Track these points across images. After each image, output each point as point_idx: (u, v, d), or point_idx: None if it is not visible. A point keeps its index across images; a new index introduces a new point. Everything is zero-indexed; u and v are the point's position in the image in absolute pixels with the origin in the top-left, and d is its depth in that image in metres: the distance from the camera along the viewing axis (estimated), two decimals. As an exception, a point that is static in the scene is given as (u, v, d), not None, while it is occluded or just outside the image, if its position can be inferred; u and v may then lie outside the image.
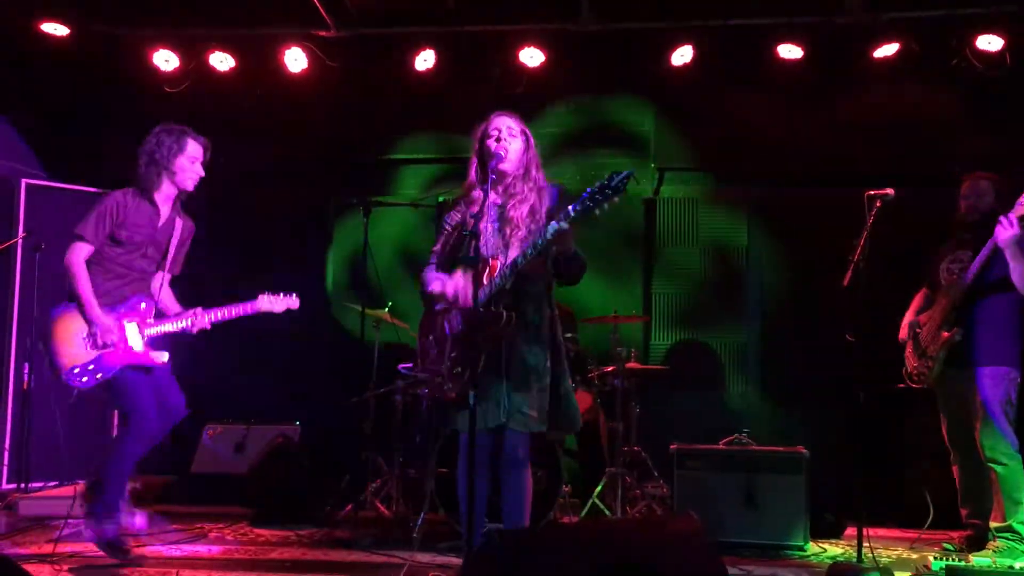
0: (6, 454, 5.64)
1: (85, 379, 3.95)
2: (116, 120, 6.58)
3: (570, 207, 3.14)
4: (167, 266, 4.23)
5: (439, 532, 4.59)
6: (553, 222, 3.18)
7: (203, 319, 4.12)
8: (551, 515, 4.54)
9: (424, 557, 4.27)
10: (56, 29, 5.87)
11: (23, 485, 5.32)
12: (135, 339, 4.03)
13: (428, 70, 6.04)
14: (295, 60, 6.01)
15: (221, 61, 6.12)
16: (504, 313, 3.31)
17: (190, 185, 4.16)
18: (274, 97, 6.43)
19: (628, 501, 5.04)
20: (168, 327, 4.12)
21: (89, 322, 3.95)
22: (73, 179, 6.29)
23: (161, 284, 4.24)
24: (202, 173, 4.19)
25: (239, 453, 5.93)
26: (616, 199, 3.05)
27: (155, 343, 4.12)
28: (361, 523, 4.98)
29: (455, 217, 3.63)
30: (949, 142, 5.74)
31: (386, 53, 6.20)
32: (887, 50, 5.68)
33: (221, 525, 5.05)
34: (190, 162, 4.14)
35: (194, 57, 6.12)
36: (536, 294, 3.50)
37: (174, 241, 4.21)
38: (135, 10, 5.99)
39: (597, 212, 3.08)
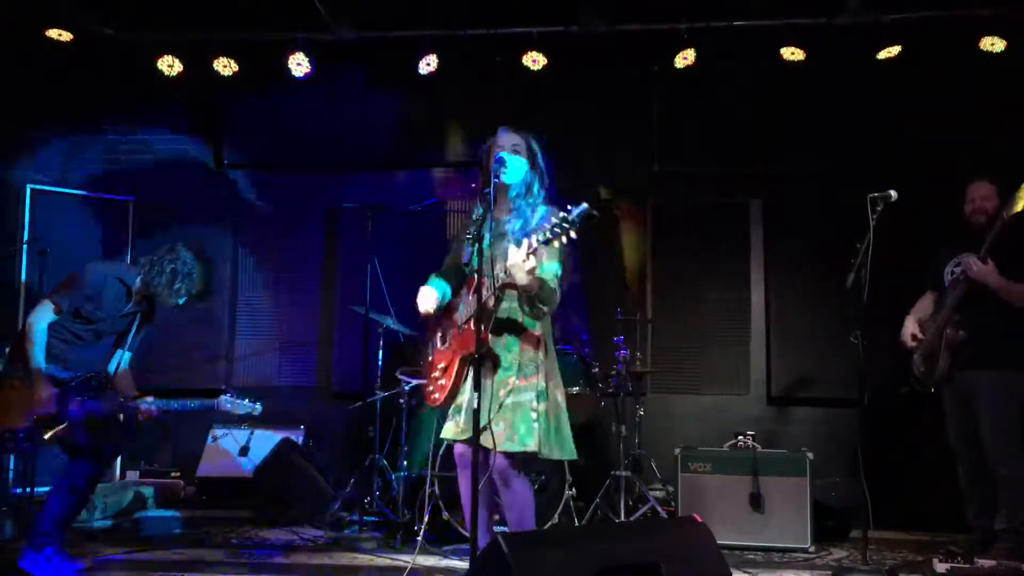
0: (12, 459, 5.64)
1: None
2: (120, 125, 6.62)
3: (527, 239, 3.09)
4: (126, 346, 4.26)
5: (444, 535, 4.59)
6: (512, 251, 3.12)
7: (152, 408, 4.10)
8: (555, 518, 4.55)
9: (429, 560, 4.28)
10: (61, 35, 5.89)
11: (29, 490, 5.33)
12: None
13: (431, 73, 6.05)
14: (298, 65, 6.02)
15: (224, 66, 6.14)
16: (478, 332, 3.15)
17: (164, 304, 4.25)
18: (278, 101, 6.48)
19: (632, 504, 5.03)
20: (114, 406, 4.10)
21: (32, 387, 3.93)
22: (78, 185, 6.32)
23: (119, 363, 4.26)
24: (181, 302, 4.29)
25: (244, 457, 5.95)
26: (572, 232, 2.96)
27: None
28: (366, 526, 4.99)
29: (467, 227, 3.60)
30: (951, 143, 5.73)
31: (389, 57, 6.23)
32: (890, 51, 5.68)
33: (226, 528, 5.06)
34: (185, 297, 4.24)
35: (198, 62, 6.14)
36: (510, 310, 3.40)
37: (134, 327, 4.25)
38: (139, 16, 6.01)
39: (556, 244, 3.00)
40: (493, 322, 3.34)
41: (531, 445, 3.26)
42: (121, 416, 4.09)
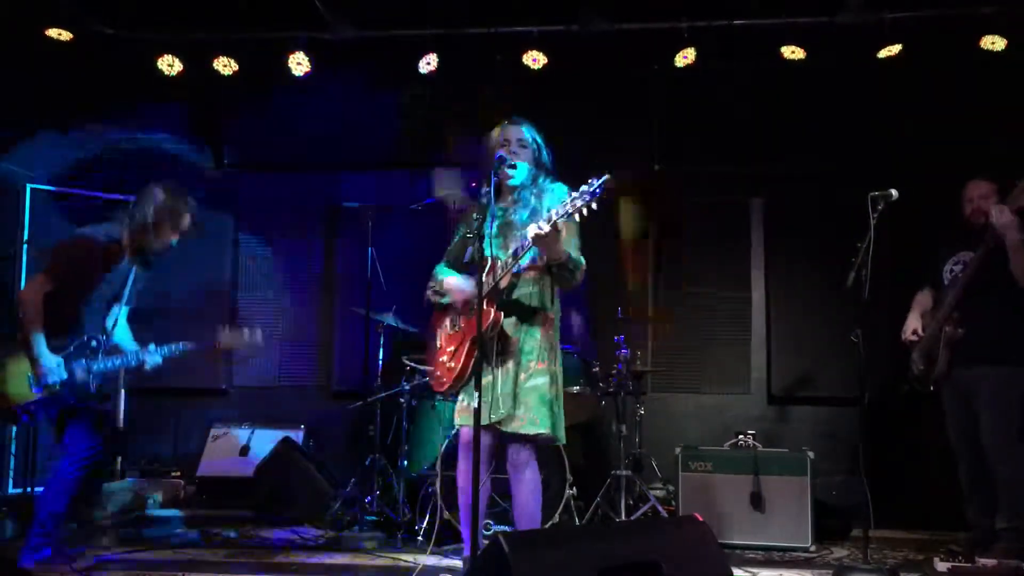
0: (12, 458, 5.65)
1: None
2: (120, 125, 6.60)
3: (551, 211, 3.20)
4: (123, 300, 4.21)
5: (444, 535, 4.59)
6: (532, 226, 3.24)
7: (155, 355, 4.12)
8: (555, 517, 4.54)
9: (429, 560, 4.28)
10: (60, 34, 5.88)
11: (29, 490, 5.34)
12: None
13: (431, 72, 6.04)
14: (298, 64, 6.01)
15: (225, 65, 6.13)
16: (492, 312, 3.33)
17: (158, 248, 4.19)
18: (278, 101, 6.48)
19: (632, 503, 5.03)
20: (118, 363, 4.11)
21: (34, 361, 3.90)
22: (78, 184, 6.31)
23: (116, 319, 4.21)
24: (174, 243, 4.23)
25: (244, 456, 5.95)
26: (594, 204, 3.08)
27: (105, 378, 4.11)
28: (366, 526, 4.99)
29: (468, 220, 3.66)
30: (951, 143, 5.73)
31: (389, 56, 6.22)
32: (890, 50, 5.68)
33: (226, 528, 5.06)
34: (176, 235, 4.19)
35: (198, 62, 6.13)
36: (530, 295, 3.49)
37: (130, 280, 4.20)
38: (139, 16, 6.01)
39: (576, 217, 3.14)
40: (513, 307, 3.43)
41: (546, 429, 3.40)
42: (125, 371, 4.07)
